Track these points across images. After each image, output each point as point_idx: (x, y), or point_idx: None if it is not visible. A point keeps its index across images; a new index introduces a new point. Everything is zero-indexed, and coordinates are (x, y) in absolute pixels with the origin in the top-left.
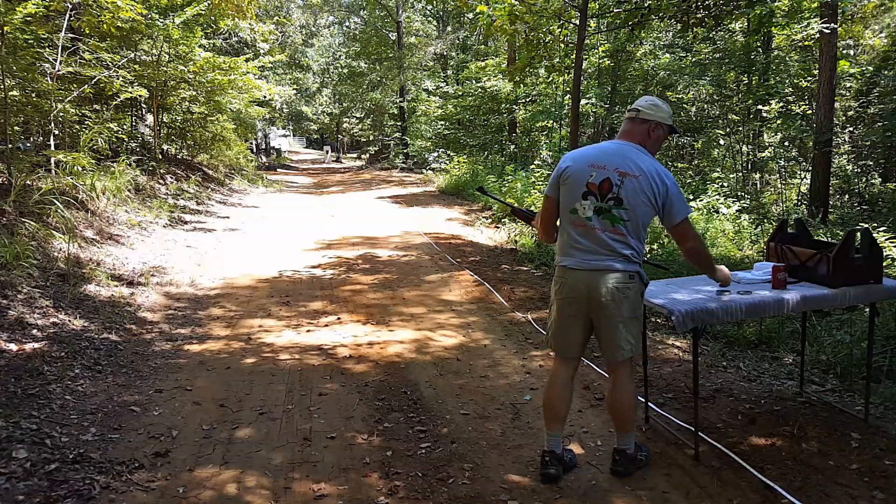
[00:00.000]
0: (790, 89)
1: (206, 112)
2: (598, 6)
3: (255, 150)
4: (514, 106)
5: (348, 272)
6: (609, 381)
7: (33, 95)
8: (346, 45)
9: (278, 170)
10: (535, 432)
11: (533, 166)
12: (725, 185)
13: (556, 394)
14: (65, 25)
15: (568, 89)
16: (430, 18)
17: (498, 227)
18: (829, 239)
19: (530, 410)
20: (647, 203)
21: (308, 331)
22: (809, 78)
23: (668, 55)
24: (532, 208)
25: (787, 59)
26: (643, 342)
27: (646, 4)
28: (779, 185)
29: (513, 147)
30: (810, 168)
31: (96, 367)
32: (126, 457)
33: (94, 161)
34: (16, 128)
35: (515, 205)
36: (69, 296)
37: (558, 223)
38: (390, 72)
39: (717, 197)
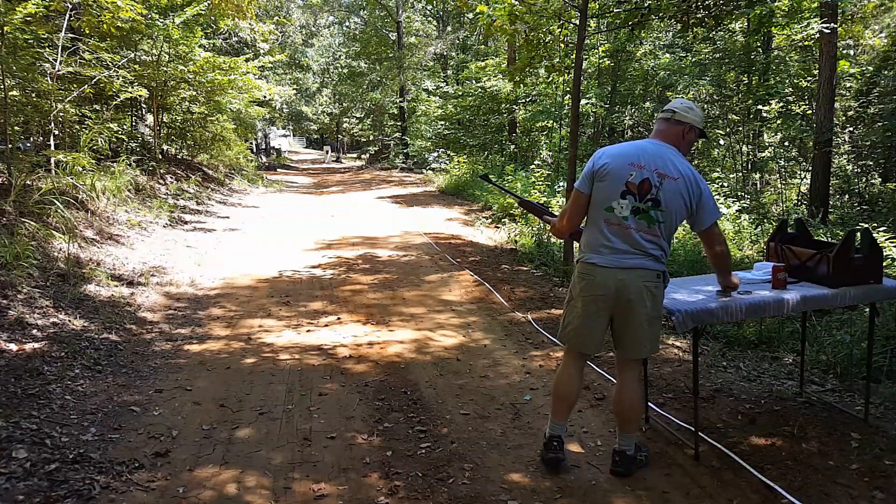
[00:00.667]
0: (790, 89)
1: (206, 112)
2: (598, 6)
3: (255, 150)
4: (514, 106)
5: (348, 272)
6: (618, 380)
7: (33, 95)
8: (346, 45)
9: (278, 170)
10: (535, 432)
11: (533, 166)
12: (725, 185)
13: (566, 385)
14: (65, 25)
15: (568, 89)
16: (430, 18)
17: (498, 227)
18: (829, 239)
19: (530, 410)
20: (682, 206)
21: (308, 331)
22: (809, 78)
23: (668, 55)
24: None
25: (787, 59)
26: None
27: (646, 4)
28: (779, 185)
29: (513, 147)
30: (810, 168)
31: (96, 367)
32: (126, 457)
33: (94, 161)
34: (16, 128)
35: (526, 197)
36: (69, 296)
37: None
38: (390, 72)
39: (717, 197)
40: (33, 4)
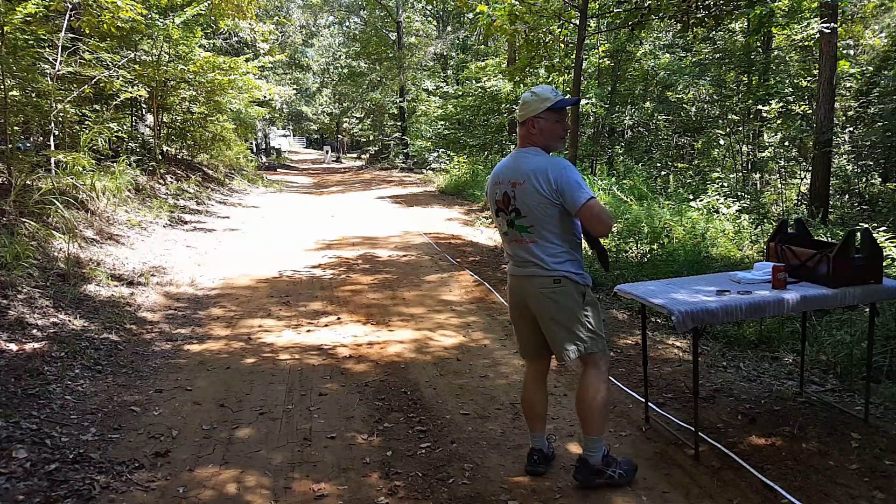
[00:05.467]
0: (790, 89)
1: (206, 112)
2: (598, 6)
3: (255, 150)
4: (514, 106)
5: (348, 272)
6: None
7: (33, 95)
8: (346, 45)
9: (278, 170)
10: None
11: None
12: (725, 185)
13: (527, 395)
14: (65, 25)
15: (568, 89)
16: (430, 18)
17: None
18: (829, 239)
19: None
20: (542, 204)
21: (308, 331)
22: (809, 78)
23: (668, 55)
24: None
25: (787, 59)
26: (644, 343)
27: (646, 4)
28: (779, 185)
29: (513, 147)
30: (810, 168)
31: (96, 367)
32: (126, 457)
33: (94, 161)
34: (15, 128)
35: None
36: (69, 296)
37: None
38: (390, 72)
39: (717, 197)
40: (33, 4)
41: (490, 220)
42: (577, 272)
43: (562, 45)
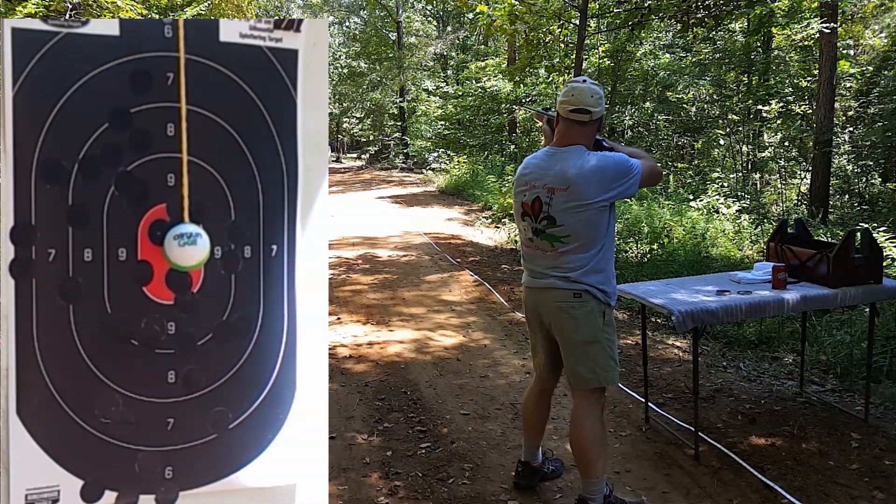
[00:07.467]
0: (790, 89)
1: None
2: (598, 6)
3: None
4: (514, 106)
5: (348, 272)
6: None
7: None
8: (346, 45)
9: None
10: None
11: None
12: (725, 185)
13: (528, 406)
14: None
15: None
16: (430, 18)
17: (498, 227)
18: (829, 239)
19: None
20: (586, 211)
21: None
22: (809, 78)
23: (668, 55)
24: None
25: (787, 59)
26: (644, 343)
27: (646, 4)
28: (779, 185)
29: (513, 147)
30: (810, 168)
31: None
32: None
33: None
34: None
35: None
36: None
37: None
38: (390, 72)
39: (717, 197)
40: (33, 4)
41: (490, 221)
42: (601, 287)
43: (562, 45)
